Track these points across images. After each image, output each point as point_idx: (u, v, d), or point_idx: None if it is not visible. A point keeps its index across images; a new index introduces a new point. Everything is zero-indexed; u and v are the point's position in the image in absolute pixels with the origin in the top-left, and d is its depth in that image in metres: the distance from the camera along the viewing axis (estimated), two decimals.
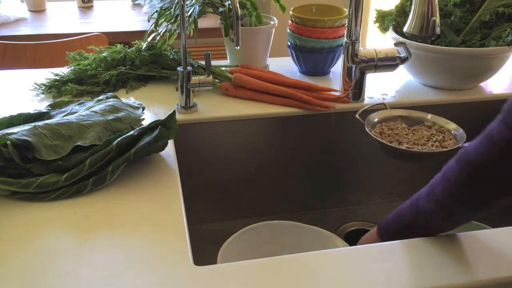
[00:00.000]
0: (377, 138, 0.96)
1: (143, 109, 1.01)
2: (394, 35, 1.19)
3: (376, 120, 1.03)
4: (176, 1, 1.18)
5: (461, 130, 0.99)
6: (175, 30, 1.17)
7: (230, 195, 1.16)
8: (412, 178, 1.26)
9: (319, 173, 1.20)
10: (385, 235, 0.79)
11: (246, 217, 1.18)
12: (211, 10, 1.23)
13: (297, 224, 0.99)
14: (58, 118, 0.89)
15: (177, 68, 1.04)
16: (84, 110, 0.92)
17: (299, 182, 1.20)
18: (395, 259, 0.69)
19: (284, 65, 1.30)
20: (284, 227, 0.99)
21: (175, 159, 0.91)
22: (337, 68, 1.25)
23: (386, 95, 1.16)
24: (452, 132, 1.00)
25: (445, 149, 0.95)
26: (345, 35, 1.10)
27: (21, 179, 0.79)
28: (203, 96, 1.14)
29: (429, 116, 1.04)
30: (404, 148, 0.95)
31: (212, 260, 0.69)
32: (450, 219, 0.70)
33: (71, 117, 0.89)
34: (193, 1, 1.19)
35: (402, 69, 1.20)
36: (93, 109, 0.93)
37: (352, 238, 1.11)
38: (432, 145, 0.96)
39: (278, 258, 0.69)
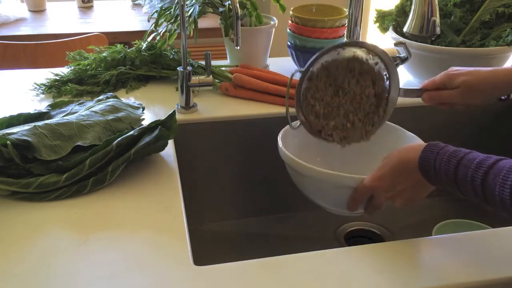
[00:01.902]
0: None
1: (143, 109, 1.01)
2: (394, 35, 1.19)
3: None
4: (176, 1, 1.18)
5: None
6: (175, 30, 1.17)
7: (230, 195, 1.16)
8: None
9: None
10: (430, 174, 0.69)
11: (246, 217, 1.18)
12: (211, 10, 1.23)
13: None
14: (58, 118, 0.89)
15: (177, 68, 1.04)
16: (84, 110, 0.92)
17: None
18: (396, 258, 0.69)
19: (284, 65, 1.30)
20: None
21: (175, 159, 0.91)
22: None
23: None
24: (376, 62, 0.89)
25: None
26: (345, 35, 1.10)
27: (21, 179, 0.79)
28: (203, 96, 1.14)
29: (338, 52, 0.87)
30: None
31: (212, 260, 0.69)
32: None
33: (71, 117, 0.89)
34: (193, 1, 1.19)
35: (402, 69, 1.20)
36: (93, 109, 0.93)
37: (352, 238, 1.12)
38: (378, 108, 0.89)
39: (278, 258, 0.69)
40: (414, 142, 0.91)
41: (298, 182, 0.91)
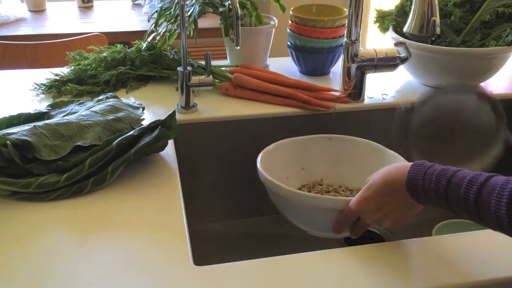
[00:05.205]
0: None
1: (143, 109, 1.01)
2: (394, 35, 1.19)
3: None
4: (176, 1, 1.18)
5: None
6: (175, 30, 1.17)
7: (230, 195, 1.16)
8: None
9: None
10: (419, 196, 0.67)
11: (246, 217, 1.18)
12: (211, 10, 1.23)
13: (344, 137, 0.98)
14: (58, 118, 0.89)
15: (177, 68, 1.05)
16: (84, 110, 0.92)
17: None
18: (396, 258, 0.69)
19: (284, 65, 1.30)
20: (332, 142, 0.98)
21: (175, 159, 0.91)
22: (337, 68, 1.25)
23: (386, 95, 1.16)
24: None
25: None
26: (345, 35, 1.10)
27: (21, 179, 0.79)
28: (203, 96, 1.14)
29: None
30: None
31: (212, 260, 0.69)
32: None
33: (71, 117, 0.89)
34: (193, 1, 1.19)
35: (402, 69, 1.20)
36: (93, 109, 0.93)
37: (352, 238, 1.11)
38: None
39: (278, 258, 0.69)
40: (396, 161, 0.88)
41: (280, 206, 0.88)
